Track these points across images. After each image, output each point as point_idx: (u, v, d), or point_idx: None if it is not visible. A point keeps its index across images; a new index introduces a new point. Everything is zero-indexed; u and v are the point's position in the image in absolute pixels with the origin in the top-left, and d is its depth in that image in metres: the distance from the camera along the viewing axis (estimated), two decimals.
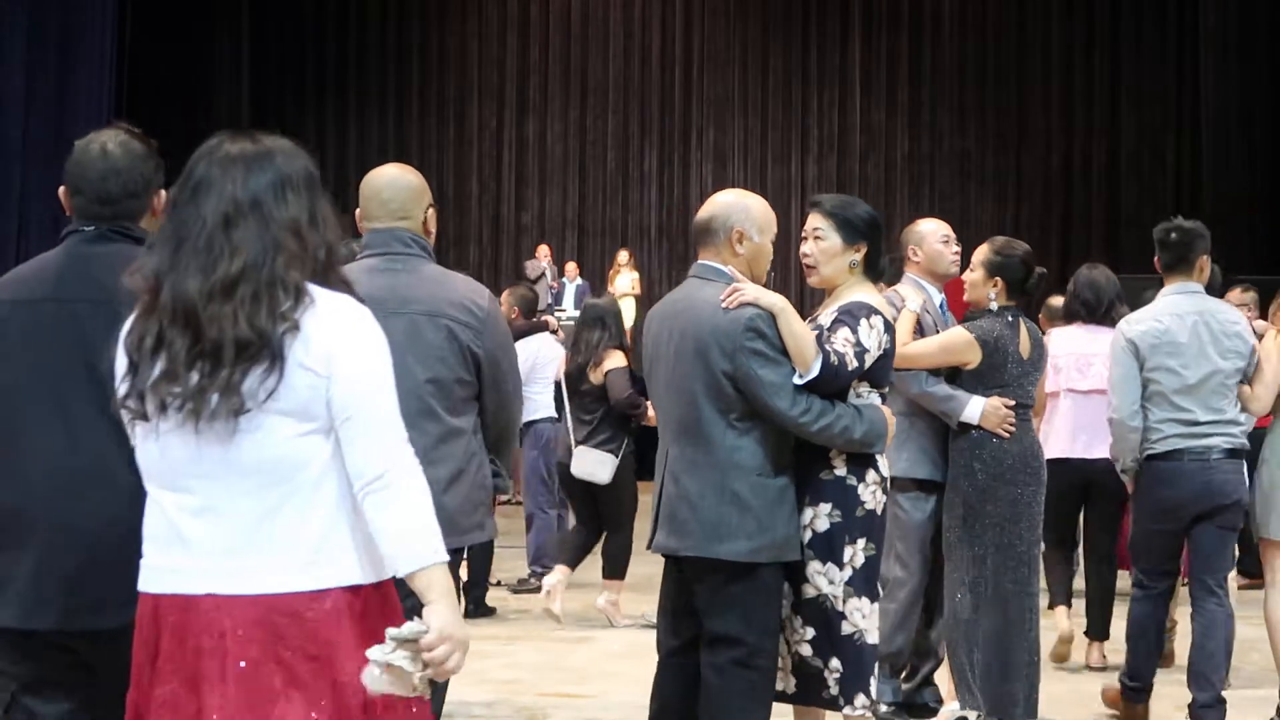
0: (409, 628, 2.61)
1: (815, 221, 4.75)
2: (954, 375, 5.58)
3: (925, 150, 21.24)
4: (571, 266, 19.69)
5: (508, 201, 21.60)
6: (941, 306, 5.94)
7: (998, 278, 5.60)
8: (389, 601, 2.77)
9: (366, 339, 2.72)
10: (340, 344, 2.68)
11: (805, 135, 21.47)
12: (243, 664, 2.62)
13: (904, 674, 6.00)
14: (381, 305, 3.62)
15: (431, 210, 4.34)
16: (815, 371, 4.42)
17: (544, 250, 19.57)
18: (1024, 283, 5.62)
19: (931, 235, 5.94)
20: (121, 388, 2.72)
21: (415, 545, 2.67)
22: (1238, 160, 18.19)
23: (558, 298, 18.97)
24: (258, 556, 2.65)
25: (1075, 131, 20.98)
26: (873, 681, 4.57)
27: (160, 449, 2.70)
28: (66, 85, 15.47)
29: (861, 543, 4.56)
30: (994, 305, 5.60)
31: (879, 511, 4.59)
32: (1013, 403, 5.50)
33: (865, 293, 4.69)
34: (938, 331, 5.72)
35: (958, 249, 5.94)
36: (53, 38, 15.25)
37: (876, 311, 4.59)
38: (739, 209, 4.63)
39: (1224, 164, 18.34)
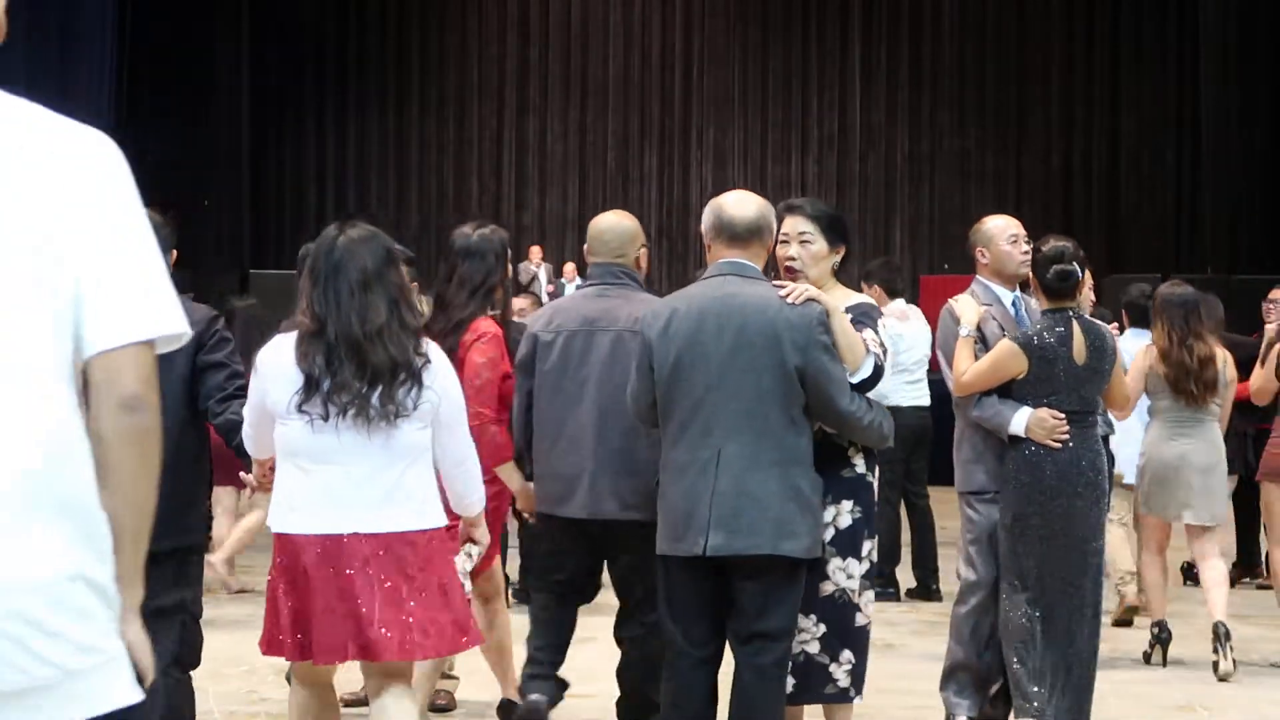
0: (475, 549, 4.81)
1: (801, 225, 4.74)
2: (1007, 386, 5.28)
3: (925, 150, 21.25)
4: (570, 267, 19.67)
5: (508, 201, 21.60)
6: (1015, 305, 5.55)
7: (1031, 275, 5.45)
8: (451, 534, 4.37)
9: (452, 370, 4.27)
10: (445, 375, 4.18)
11: (805, 135, 21.48)
12: (382, 578, 3.98)
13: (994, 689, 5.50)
14: (594, 323, 5.10)
15: (644, 249, 5.28)
16: (867, 372, 4.49)
17: (536, 252, 19.54)
18: (1045, 280, 5.34)
19: (999, 235, 5.53)
20: (298, 397, 4.01)
21: (477, 501, 4.44)
22: (1237, 160, 18.19)
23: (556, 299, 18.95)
24: (389, 508, 4.04)
25: (1075, 131, 20.98)
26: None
27: (338, 438, 4.02)
28: (66, 85, 15.45)
29: (874, 538, 4.77)
30: (1039, 307, 5.44)
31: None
32: (1062, 415, 5.20)
33: (847, 295, 4.79)
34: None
35: (1028, 247, 5.49)
36: (53, 38, 15.23)
37: (880, 314, 4.79)
38: (772, 212, 4.72)
39: (1224, 164, 18.33)
